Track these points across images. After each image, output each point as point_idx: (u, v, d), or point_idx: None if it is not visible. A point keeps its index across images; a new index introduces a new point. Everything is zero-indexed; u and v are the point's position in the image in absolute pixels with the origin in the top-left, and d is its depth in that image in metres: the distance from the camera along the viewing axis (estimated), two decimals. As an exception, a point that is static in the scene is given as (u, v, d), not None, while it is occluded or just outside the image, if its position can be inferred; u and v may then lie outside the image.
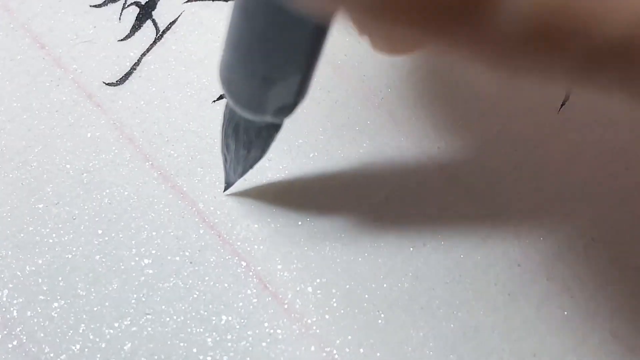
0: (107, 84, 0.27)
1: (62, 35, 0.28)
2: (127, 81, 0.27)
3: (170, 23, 0.28)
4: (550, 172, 0.26)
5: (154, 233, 0.25)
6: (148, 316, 0.23)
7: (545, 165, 0.26)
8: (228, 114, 0.22)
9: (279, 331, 0.23)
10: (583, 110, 0.27)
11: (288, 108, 0.20)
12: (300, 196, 0.25)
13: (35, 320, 0.23)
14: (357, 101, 0.27)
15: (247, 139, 0.22)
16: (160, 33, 0.28)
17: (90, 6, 0.29)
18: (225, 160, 0.24)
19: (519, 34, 0.10)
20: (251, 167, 0.24)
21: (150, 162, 0.26)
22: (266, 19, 0.16)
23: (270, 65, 0.18)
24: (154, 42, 0.28)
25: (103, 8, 0.29)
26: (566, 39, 0.10)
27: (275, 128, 0.21)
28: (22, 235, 0.24)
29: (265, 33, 0.17)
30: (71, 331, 0.23)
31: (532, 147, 0.26)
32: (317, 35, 0.17)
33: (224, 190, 0.25)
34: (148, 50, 0.28)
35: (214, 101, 0.27)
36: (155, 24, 0.28)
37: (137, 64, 0.27)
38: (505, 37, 0.10)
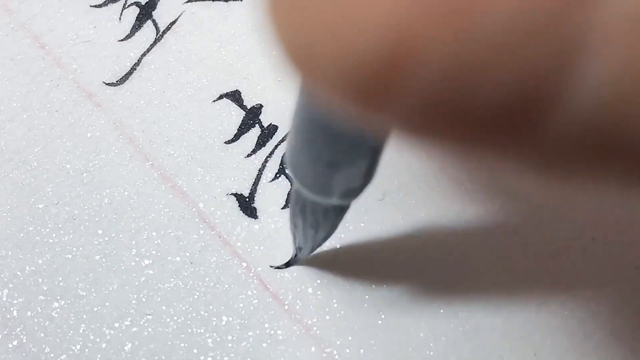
0: (107, 84, 0.27)
1: (62, 35, 0.28)
2: (127, 81, 0.27)
3: (170, 23, 0.28)
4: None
5: (154, 233, 0.25)
6: (148, 317, 0.23)
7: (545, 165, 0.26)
8: (295, 194, 0.21)
9: (279, 332, 0.23)
10: None
11: (355, 191, 0.19)
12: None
13: (36, 321, 0.23)
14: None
15: (314, 219, 0.21)
16: (160, 33, 0.28)
17: (91, 6, 0.29)
18: (294, 238, 0.23)
19: (579, 138, 0.09)
20: (319, 245, 0.23)
21: (150, 162, 0.26)
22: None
23: (335, 151, 0.17)
24: (154, 42, 0.28)
25: (103, 8, 0.29)
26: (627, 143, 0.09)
27: (342, 209, 0.21)
28: (22, 235, 0.24)
29: (329, 122, 0.16)
30: (71, 331, 0.23)
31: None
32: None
33: (288, 266, 0.25)
34: (148, 50, 0.28)
35: (214, 101, 0.27)
36: (155, 24, 0.28)
37: (137, 64, 0.27)
38: (562, 142, 0.10)
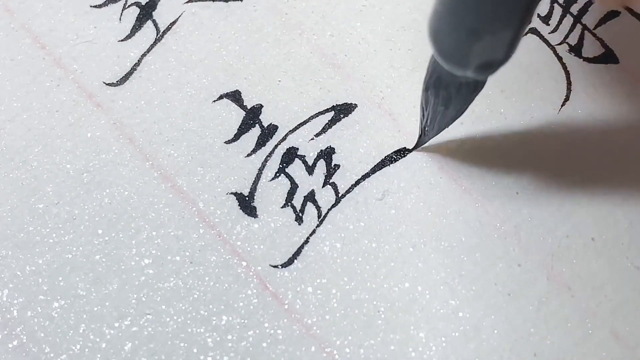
0: (108, 84, 0.27)
1: (63, 35, 0.28)
2: (127, 81, 0.27)
3: (170, 23, 0.28)
4: (550, 171, 0.26)
5: (154, 233, 0.25)
6: (148, 316, 0.23)
7: (545, 165, 0.26)
8: (431, 66, 0.21)
9: (279, 331, 0.23)
10: (583, 109, 0.27)
11: (492, 64, 0.19)
12: (299, 195, 0.26)
13: (36, 320, 0.23)
14: (357, 101, 0.27)
15: (447, 94, 0.21)
16: (160, 33, 0.28)
17: (91, 6, 0.29)
18: (423, 117, 0.23)
19: None
20: (447, 125, 0.23)
21: (150, 162, 0.26)
22: None
23: (480, 17, 0.17)
24: (155, 43, 0.28)
25: (103, 8, 0.29)
26: None
27: (476, 86, 0.21)
28: (22, 235, 0.24)
29: None
30: (71, 331, 0.23)
31: (531, 146, 0.26)
32: None
33: (414, 149, 0.25)
34: (148, 50, 0.28)
35: (214, 101, 0.27)
36: (155, 24, 0.28)
37: (137, 64, 0.27)
38: None
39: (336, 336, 0.23)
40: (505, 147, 0.26)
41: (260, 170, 0.26)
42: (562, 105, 0.27)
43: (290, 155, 0.26)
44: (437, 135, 0.25)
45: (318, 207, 0.25)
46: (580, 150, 0.26)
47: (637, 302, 0.24)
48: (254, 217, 0.25)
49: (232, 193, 0.25)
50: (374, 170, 0.26)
